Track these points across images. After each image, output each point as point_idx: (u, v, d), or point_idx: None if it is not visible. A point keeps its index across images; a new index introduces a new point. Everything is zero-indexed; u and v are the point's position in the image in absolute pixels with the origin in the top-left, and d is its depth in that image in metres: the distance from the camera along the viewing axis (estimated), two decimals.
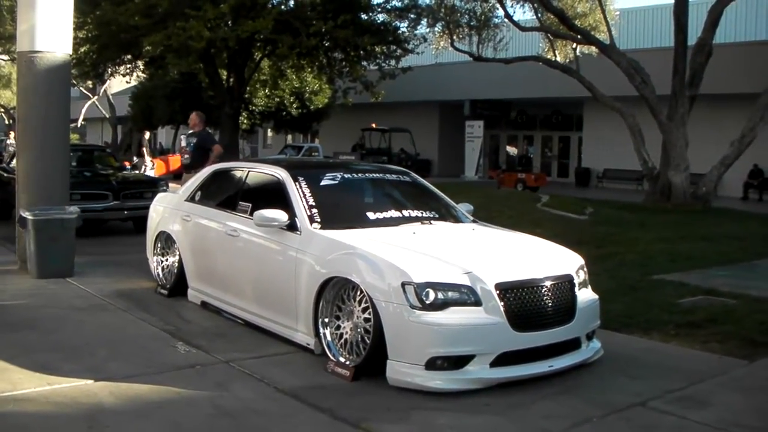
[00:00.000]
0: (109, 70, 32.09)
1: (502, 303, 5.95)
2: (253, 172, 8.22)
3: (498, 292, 5.96)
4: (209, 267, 8.31)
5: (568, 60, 28.47)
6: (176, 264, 8.93)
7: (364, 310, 6.16)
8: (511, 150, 43.85)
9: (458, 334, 5.82)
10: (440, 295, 5.86)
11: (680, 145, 21.70)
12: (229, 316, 7.87)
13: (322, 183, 7.55)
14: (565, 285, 6.44)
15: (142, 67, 32.07)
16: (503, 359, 5.97)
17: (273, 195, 7.51)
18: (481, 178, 35.67)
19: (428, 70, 36.00)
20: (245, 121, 36.61)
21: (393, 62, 27.95)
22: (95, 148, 18.99)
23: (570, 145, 40.74)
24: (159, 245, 9.35)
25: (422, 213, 7.62)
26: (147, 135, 33.87)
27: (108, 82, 44.12)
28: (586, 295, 6.72)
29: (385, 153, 34.04)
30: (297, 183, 7.37)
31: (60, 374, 5.97)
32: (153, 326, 7.63)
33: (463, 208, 8.27)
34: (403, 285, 5.85)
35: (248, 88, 31.52)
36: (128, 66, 31.64)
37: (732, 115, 27.10)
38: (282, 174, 7.58)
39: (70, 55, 10.93)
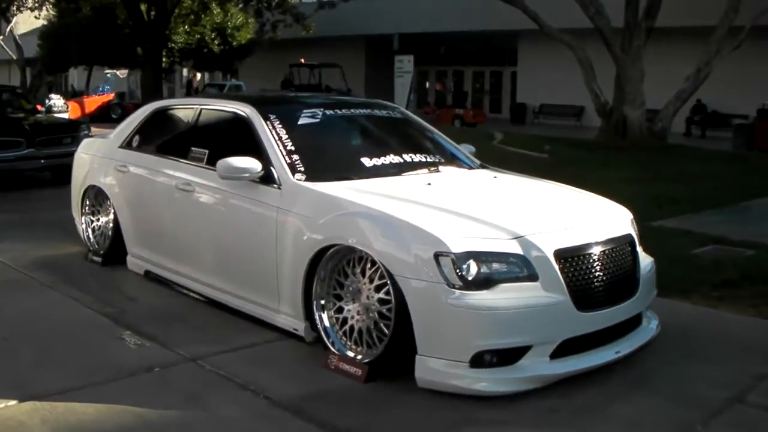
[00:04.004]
0: (15, 4, 29.39)
1: (564, 276, 4.54)
2: (208, 110, 6.52)
3: (558, 262, 4.54)
4: (154, 229, 6.69)
5: None
6: (111, 225, 7.27)
7: (378, 288, 4.67)
8: (439, 87, 42.47)
9: (513, 320, 4.39)
10: (484, 269, 4.40)
11: (636, 80, 20.58)
12: (184, 290, 6.30)
13: (300, 122, 5.94)
14: (625, 248, 5.08)
15: (52, 2, 29.43)
16: (564, 348, 4.57)
17: (236, 139, 5.95)
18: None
19: (357, 2, 34.21)
20: (165, 60, 34.28)
21: None
22: (4, 88, 16.72)
23: (502, 81, 39.52)
24: (87, 202, 7.64)
25: (425, 157, 6.12)
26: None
27: (13, 21, 40.97)
28: (644, 259, 5.35)
29: (316, 89, 32.30)
30: (268, 122, 5.76)
31: None
32: (89, 308, 5.98)
33: (465, 149, 6.81)
34: (436, 256, 4.37)
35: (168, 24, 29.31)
36: (36, 1, 29.02)
37: (678, 50, 26.07)
38: (247, 111, 5.95)
39: None
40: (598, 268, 4.73)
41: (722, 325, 6.02)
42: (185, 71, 46.88)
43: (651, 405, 4.45)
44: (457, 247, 4.38)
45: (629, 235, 5.18)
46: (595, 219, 5.18)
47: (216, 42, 35.53)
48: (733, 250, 8.56)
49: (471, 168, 6.32)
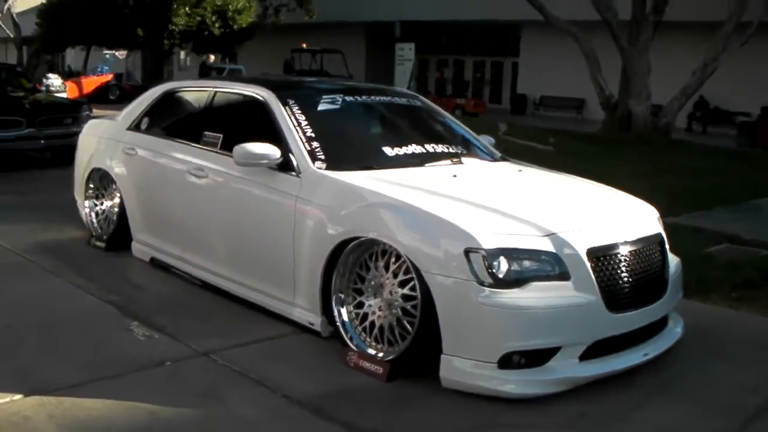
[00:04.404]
0: None
1: (595, 275, 4.35)
2: (222, 93, 6.31)
3: (590, 260, 4.35)
4: (163, 215, 6.47)
5: None
6: (116, 209, 7.05)
7: (403, 284, 4.48)
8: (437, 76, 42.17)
9: (544, 320, 4.20)
10: (515, 266, 4.22)
11: (643, 73, 20.36)
12: (192, 279, 6.09)
13: (320, 108, 5.73)
14: (655, 248, 4.90)
15: None
16: (593, 349, 4.40)
17: (252, 123, 5.76)
18: None
19: None
20: (165, 42, 33.90)
21: None
22: (3, 67, 16.36)
23: (503, 71, 39.24)
24: (92, 185, 7.41)
25: (448, 148, 5.92)
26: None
27: None
28: (671, 259, 5.18)
29: (317, 75, 32.00)
30: (287, 107, 5.55)
31: None
32: (93, 295, 5.77)
33: (485, 140, 6.61)
34: (467, 252, 4.18)
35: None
36: None
37: (683, 45, 25.86)
38: (264, 95, 5.74)
39: None
40: (629, 267, 4.56)
41: (746, 327, 5.86)
42: (182, 54, 46.46)
43: (681, 410, 4.29)
44: (488, 243, 4.19)
45: (659, 234, 5.01)
46: (626, 217, 5.00)
47: (217, 25, 35.17)
48: (747, 249, 8.38)
49: (493, 160, 6.13)
